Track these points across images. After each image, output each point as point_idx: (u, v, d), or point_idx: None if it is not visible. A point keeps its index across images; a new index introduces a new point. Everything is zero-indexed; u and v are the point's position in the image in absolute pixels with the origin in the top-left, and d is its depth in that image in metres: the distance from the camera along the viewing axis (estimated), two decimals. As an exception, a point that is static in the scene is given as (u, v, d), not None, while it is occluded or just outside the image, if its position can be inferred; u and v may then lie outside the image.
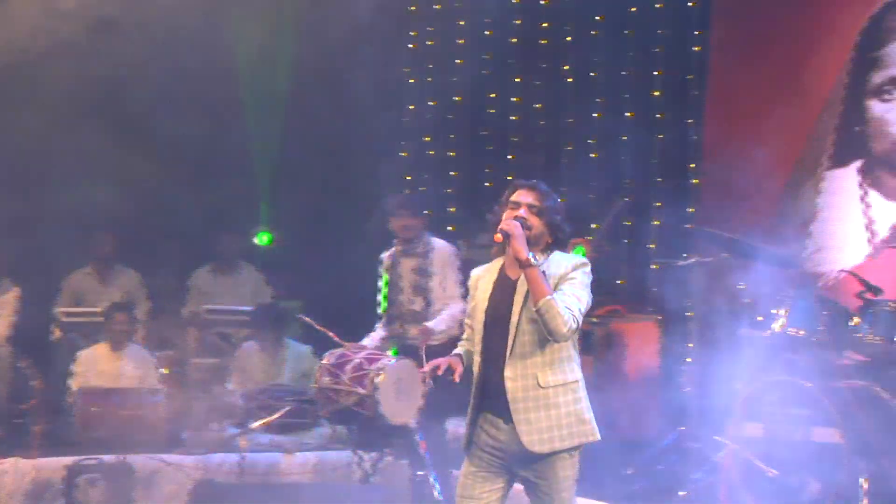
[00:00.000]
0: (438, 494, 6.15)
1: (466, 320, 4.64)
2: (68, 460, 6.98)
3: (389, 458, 7.35)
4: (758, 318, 6.64)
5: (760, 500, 6.14)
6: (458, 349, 4.61)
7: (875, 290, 6.46)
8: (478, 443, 4.48)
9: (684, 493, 6.39)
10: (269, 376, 8.28)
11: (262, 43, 9.48)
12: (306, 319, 7.32)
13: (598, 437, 4.46)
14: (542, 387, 4.35)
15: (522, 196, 4.46)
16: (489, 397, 4.44)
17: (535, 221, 4.41)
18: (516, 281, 4.41)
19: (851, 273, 6.72)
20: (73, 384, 7.85)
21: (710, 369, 6.86)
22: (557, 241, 4.47)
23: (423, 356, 6.48)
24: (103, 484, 6.82)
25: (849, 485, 5.86)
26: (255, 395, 7.91)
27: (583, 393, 4.44)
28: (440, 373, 4.44)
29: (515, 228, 4.30)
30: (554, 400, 4.36)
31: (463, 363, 4.51)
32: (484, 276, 4.56)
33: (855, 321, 6.33)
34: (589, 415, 4.44)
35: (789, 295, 6.51)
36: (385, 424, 6.54)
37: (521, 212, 4.40)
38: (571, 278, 4.36)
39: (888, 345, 6.20)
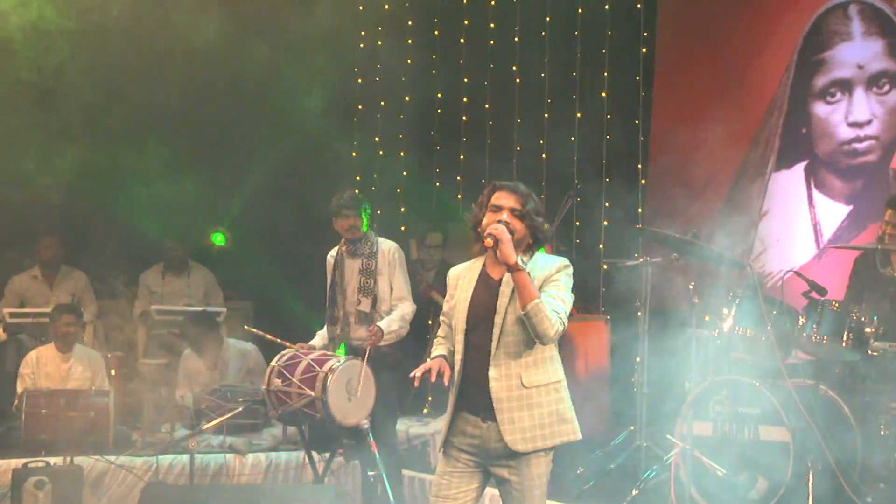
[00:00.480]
0: (390, 495, 6.15)
1: (443, 318, 4.65)
2: (15, 463, 6.88)
3: (341, 458, 7.35)
4: (706, 318, 6.72)
5: (710, 499, 6.22)
6: (440, 349, 4.61)
7: (820, 290, 6.56)
8: (454, 443, 4.51)
9: (635, 492, 6.44)
10: (213, 379, 8.23)
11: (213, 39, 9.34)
12: (253, 330, 7.35)
13: (580, 436, 4.51)
14: (525, 386, 4.39)
15: (503, 199, 4.47)
16: (468, 397, 4.46)
17: (517, 225, 4.44)
18: (500, 281, 4.44)
19: (797, 273, 6.81)
20: (20, 386, 7.73)
21: (659, 369, 6.93)
22: (538, 241, 4.51)
23: (367, 357, 6.49)
24: (51, 487, 6.72)
25: (796, 482, 5.95)
26: (206, 396, 7.85)
27: (565, 393, 4.49)
28: (433, 378, 4.45)
29: (503, 233, 4.34)
30: (537, 399, 4.40)
31: (449, 364, 4.52)
32: (464, 276, 4.58)
33: (801, 321, 6.42)
34: (571, 414, 4.49)
35: (737, 295, 6.59)
36: (336, 425, 6.53)
37: (504, 216, 4.43)
38: (555, 280, 4.41)
39: (833, 344, 6.31)
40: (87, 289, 9.06)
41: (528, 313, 4.28)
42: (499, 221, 4.40)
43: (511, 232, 4.40)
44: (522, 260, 4.37)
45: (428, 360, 4.55)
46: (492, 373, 4.40)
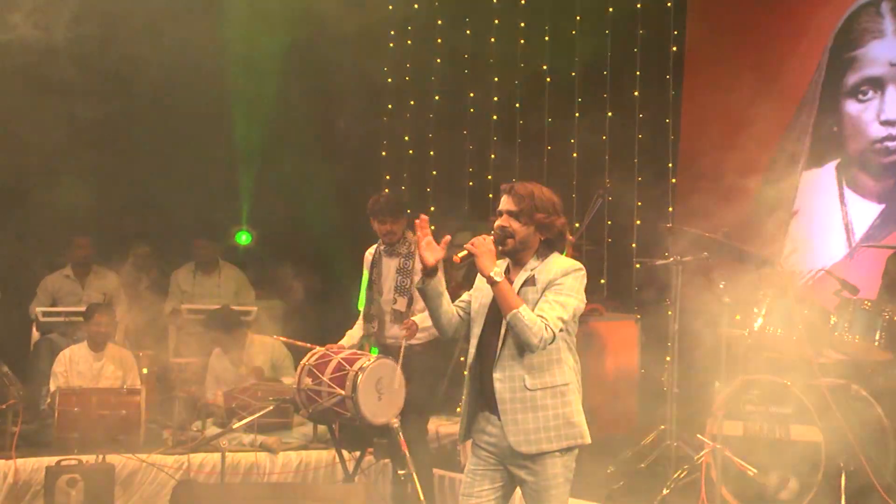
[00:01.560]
0: (420, 493, 6.16)
1: (466, 297, 4.63)
2: (48, 461, 6.94)
3: (371, 457, 7.37)
4: (737, 317, 6.69)
5: (741, 499, 6.19)
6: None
7: (851, 289, 6.52)
8: (477, 440, 4.54)
9: (665, 492, 6.41)
10: (241, 377, 8.28)
11: (246, 45, 9.42)
12: (282, 339, 7.41)
13: (588, 440, 4.48)
14: (529, 389, 4.39)
15: (503, 202, 4.49)
16: (484, 395, 4.48)
17: (516, 226, 4.43)
18: (511, 283, 4.44)
19: (829, 272, 6.78)
20: (53, 385, 7.80)
21: (689, 368, 6.90)
22: (550, 239, 4.48)
23: (402, 354, 6.51)
24: (83, 485, 6.77)
25: (828, 483, 5.91)
26: (237, 394, 7.90)
27: (573, 396, 4.45)
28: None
29: (481, 246, 4.33)
30: (542, 402, 4.39)
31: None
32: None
33: (832, 320, 6.38)
34: (578, 418, 4.45)
35: (768, 294, 6.56)
36: (366, 424, 6.55)
37: (499, 221, 4.43)
38: (558, 284, 4.38)
39: (865, 343, 6.26)
40: (119, 287, 9.14)
41: (508, 323, 4.30)
42: (495, 228, 4.41)
43: (511, 235, 4.41)
44: (529, 263, 4.41)
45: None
46: (496, 374, 4.41)
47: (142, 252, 9.52)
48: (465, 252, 4.39)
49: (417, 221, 4.47)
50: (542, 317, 4.29)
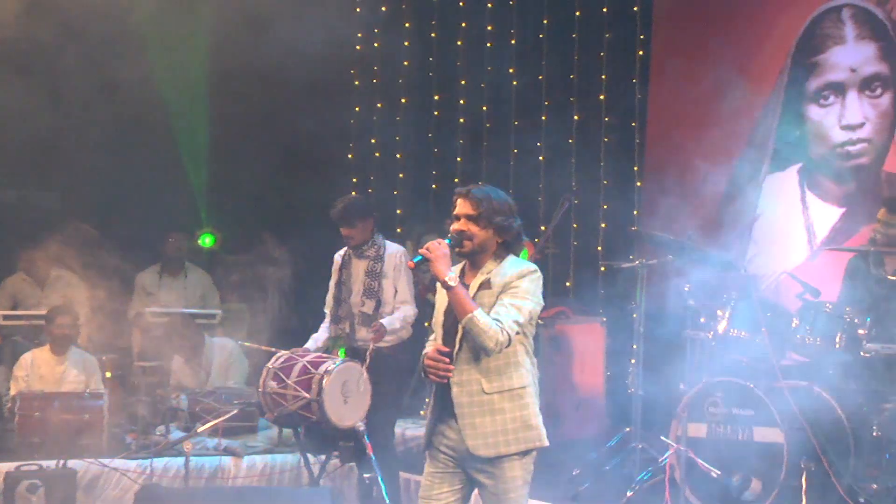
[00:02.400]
0: (386, 497, 6.15)
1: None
2: (8, 466, 6.85)
3: (337, 461, 7.35)
4: (701, 320, 6.74)
5: (704, 500, 6.24)
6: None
7: (814, 291, 6.59)
8: (436, 444, 4.53)
9: (630, 494, 6.45)
10: (201, 381, 8.25)
11: (210, 45, 9.38)
12: (247, 344, 7.42)
13: (546, 443, 4.48)
14: (486, 392, 4.40)
15: (459, 206, 4.49)
16: (445, 399, 4.48)
17: (474, 229, 4.44)
18: (468, 287, 4.44)
19: (791, 275, 6.84)
20: (14, 389, 7.72)
21: (654, 370, 6.94)
22: (508, 241, 4.49)
23: (370, 356, 6.50)
24: (44, 490, 6.70)
25: (790, 483, 5.97)
26: (201, 398, 7.85)
27: (530, 399, 4.45)
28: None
29: (437, 250, 4.34)
30: (499, 406, 4.40)
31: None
32: None
33: (795, 322, 6.44)
34: (536, 420, 4.46)
35: (732, 297, 6.61)
36: (332, 427, 6.53)
37: (456, 225, 4.44)
38: (514, 287, 4.39)
39: (826, 345, 6.33)
40: (79, 289, 9.00)
41: (464, 327, 4.32)
42: (452, 232, 4.42)
43: (470, 238, 4.42)
44: (487, 266, 4.42)
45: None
46: (453, 378, 4.42)
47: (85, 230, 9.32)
48: (419, 257, 4.40)
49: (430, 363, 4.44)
50: (497, 320, 4.30)
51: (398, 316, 6.78)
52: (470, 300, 4.33)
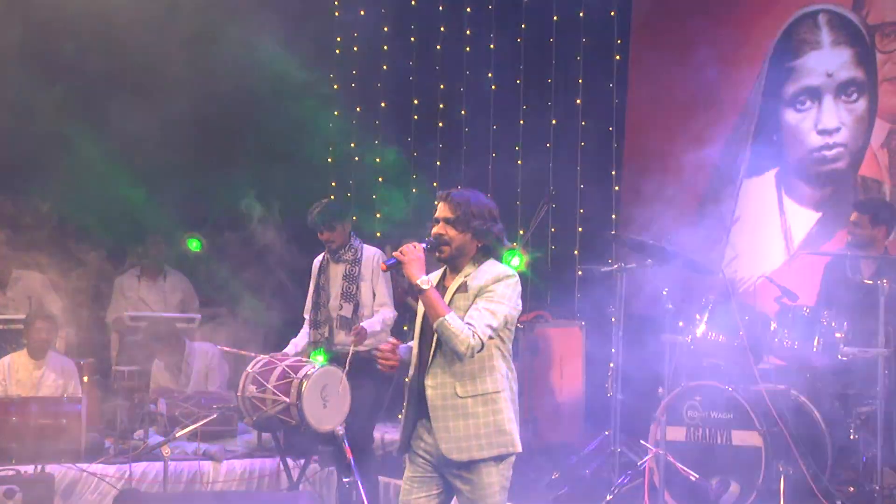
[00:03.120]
0: (365, 501, 6.15)
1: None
2: (-15, 471, 6.83)
3: (316, 465, 7.34)
4: (679, 324, 6.77)
5: (683, 503, 6.27)
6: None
7: (791, 295, 6.64)
8: (414, 447, 4.53)
9: (609, 498, 6.48)
10: (181, 384, 8.24)
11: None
12: (226, 349, 7.43)
13: (519, 448, 4.47)
14: (459, 396, 4.39)
15: (439, 210, 4.50)
16: (420, 403, 4.48)
17: (452, 233, 4.44)
18: (446, 290, 4.45)
19: (769, 279, 6.89)
20: (-10, 393, 7.68)
21: (633, 374, 6.97)
22: (487, 244, 4.50)
23: (349, 360, 6.50)
24: (21, 495, 6.64)
25: (768, 487, 6.01)
26: (180, 402, 7.82)
27: (504, 404, 4.43)
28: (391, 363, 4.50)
29: (410, 253, 4.35)
30: (473, 410, 4.39)
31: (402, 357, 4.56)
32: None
33: (773, 326, 6.48)
34: (510, 426, 4.43)
35: (710, 300, 6.65)
36: (311, 432, 6.53)
37: (436, 228, 4.45)
38: (489, 291, 4.39)
39: (804, 349, 6.37)
40: (47, 288, 8.83)
41: (436, 331, 4.32)
42: (432, 235, 4.44)
43: (447, 242, 4.43)
44: (464, 269, 4.43)
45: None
46: (428, 381, 4.42)
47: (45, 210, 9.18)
48: (392, 259, 4.40)
49: (379, 353, 4.47)
50: (470, 324, 4.30)
51: (378, 319, 6.79)
52: (442, 304, 4.33)
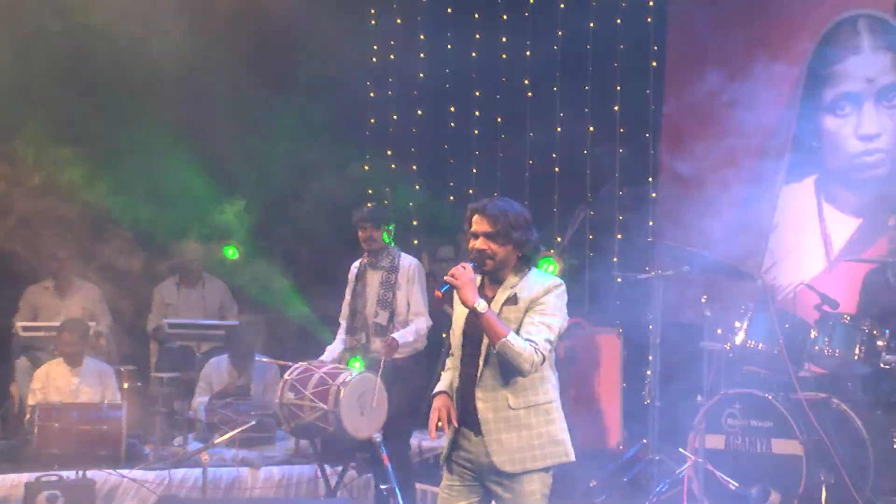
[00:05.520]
0: (402, 508, 6.16)
1: (451, 334, 4.65)
2: (27, 477, 6.88)
3: (353, 472, 7.36)
4: (718, 331, 6.73)
5: (722, 512, 6.23)
6: (444, 381, 4.58)
7: (832, 303, 6.57)
8: (454, 457, 4.52)
9: (647, 505, 6.46)
10: (242, 393, 8.28)
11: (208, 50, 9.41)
12: (265, 360, 7.57)
13: (573, 458, 4.46)
14: (512, 408, 4.37)
15: (476, 224, 4.45)
16: (465, 412, 4.46)
17: (494, 247, 4.42)
18: (491, 300, 4.43)
19: (809, 286, 6.82)
20: (32, 400, 7.76)
21: (672, 382, 6.93)
22: (527, 254, 4.48)
23: (381, 369, 6.51)
24: (63, 501, 6.72)
25: (809, 496, 5.95)
26: (218, 409, 7.87)
27: (557, 414, 4.43)
28: (445, 427, 4.46)
29: (461, 277, 4.32)
30: (525, 421, 4.37)
31: (452, 399, 4.52)
32: None
33: (813, 334, 6.43)
34: (563, 436, 4.43)
35: (749, 308, 6.60)
36: (348, 439, 6.55)
37: (476, 244, 4.41)
38: (541, 304, 4.37)
39: (845, 357, 6.31)
40: (100, 302, 9.05)
41: (498, 352, 4.28)
42: (471, 254, 4.39)
43: (491, 257, 4.40)
44: (509, 280, 4.40)
45: (433, 394, 4.56)
46: (478, 394, 4.39)
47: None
48: (446, 286, 4.37)
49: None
50: (531, 341, 4.28)
51: (411, 329, 6.79)
52: (501, 324, 4.29)
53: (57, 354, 8.09)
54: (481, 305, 4.30)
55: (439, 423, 4.47)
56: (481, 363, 4.39)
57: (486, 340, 4.36)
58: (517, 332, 4.31)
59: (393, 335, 6.71)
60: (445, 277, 4.38)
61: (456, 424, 4.46)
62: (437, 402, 4.51)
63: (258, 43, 9.56)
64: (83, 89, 9.05)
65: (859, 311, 6.57)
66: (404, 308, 6.86)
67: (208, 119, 9.35)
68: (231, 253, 10.04)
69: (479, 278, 4.51)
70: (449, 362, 4.64)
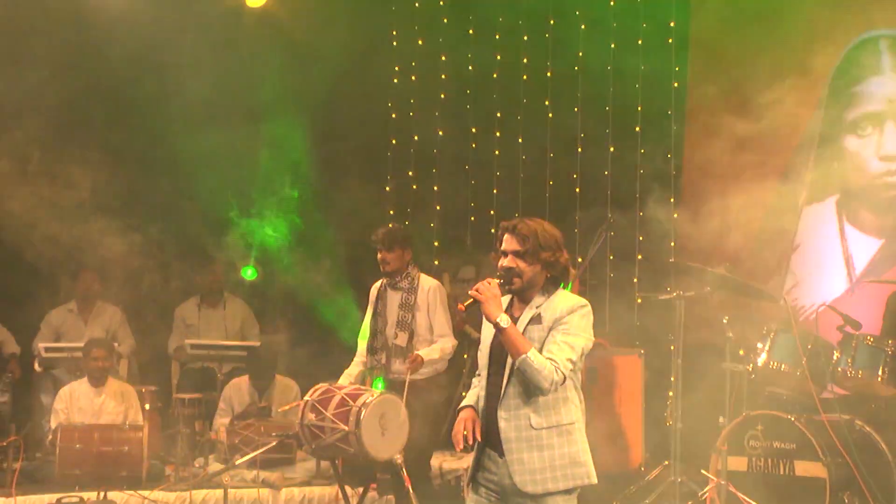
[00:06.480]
0: (423, 529, 6.14)
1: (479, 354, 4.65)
2: (49, 498, 6.92)
3: (374, 493, 7.34)
4: (740, 352, 6.70)
5: (745, 534, 6.18)
6: (471, 396, 4.59)
7: (854, 324, 6.54)
8: (478, 478, 4.51)
9: (669, 528, 6.42)
10: (262, 415, 8.30)
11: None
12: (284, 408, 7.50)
13: (595, 479, 4.44)
14: (534, 428, 4.36)
15: (507, 242, 4.47)
16: (490, 433, 4.46)
17: (522, 266, 4.42)
18: (518, 319, 4.43)
19: (831, 307, 6.79)
20: (54, 421, 7.79)
21: (693, 403, 6.89)
22: (555, 275, 4.48)
23: (406, 389, 6.51)
24: (85, 521, 6.76)
25: (833, 518, 5.91)
26: (240, 430, 7.88)
27: (579, 435, 4.42)
28: (471, 442, 4.45)
29: (487, 291, 4.33)
30: (547, 441, 4.36)
31: (478, 414, 4.52)
32: None
33: (836, 355, 6.39)
34: (584, 457, 4.42)
35: (771, 329, 6.57)
36: (369, 460, 6.53)
37: (504, 262, 4.42)
38: (564, 324, 4.36)
39: (869, 378, 6.27)
40: (123, 324, 9.11)
41: (518, 368, 4.29)
42: (500, 271, 4.40)
43: (519, 275, 4.41)
44: (535, 300, 4.39)
45: (459, 408, 4.55)
46: (501, 412, 4.39)
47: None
48: (469, 300, 4.39)
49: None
50: (551, 359, 4.27)
51: (437, 347, 6.79)
52: (523, 340, 4.31)
53: (79, 375, 8.13)
54: (504, 320, 4.30)
55: (465, 433, 4.46)
56: (505, 382, 4.39)
57: (510, 360, 4.36)
58: (540, 350, 4.31)
59: (418, 352, 6.71)
60: (470, 292, 4.39)
61: (480, 439, 4.45)
62: (463, 415, 4.52)
63: (279, 63, 9.64)
64: (125, 112, 9.18)
65: (884, 333, 6.53)
66: (424, 329, 6.85)
67: (232, 141, 9.44)
68: (250, 273, 10.09)
69: (507, 298, 4.52)
70: (475, 381, 4.64)
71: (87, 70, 8.97)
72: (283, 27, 9.66)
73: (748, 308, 7.03)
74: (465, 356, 8.48)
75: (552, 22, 9.79)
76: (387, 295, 6.94)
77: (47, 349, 8.63)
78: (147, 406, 8.13)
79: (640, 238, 8.92)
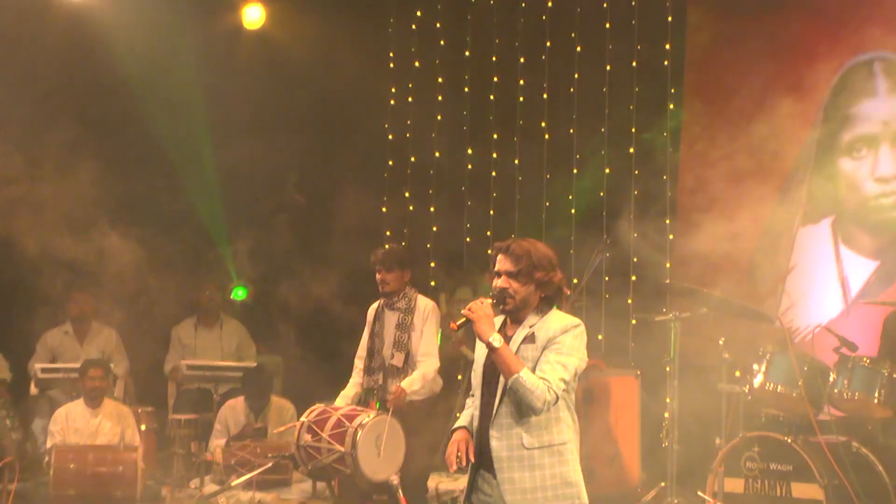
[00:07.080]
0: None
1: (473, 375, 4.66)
2: (44, 519, 6.92)
3: (371, 514, 7.33)
4: (736, 374, 6.71)
5: (742, 556, 6.18)
6: (464, 417, 4.60)
7: (850, 345, 6.55)
8: (473, 498, 4.51)
9: (666, 550, 6.41)
10: (258, 435, 8.29)
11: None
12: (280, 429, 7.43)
13: (585, 501, 4.43)
14: (526, 447, 4.36)
15: (500, 263, 4.47)
16: (484, 453, 4.46)
17: (516, 286, 4.43)
18: (511, 339, 4.43)
19: (827, 328, 6.80)
20: (49, 442, 7.77)
21: (690, 424, 6.90)
22: (549, 295, 4.49)
23: (390, 415, 6.50)
24: (80, 542, 6.74)
25: (829, 540, 5.90)
26: (236, 451, 7.87)
27: (571, 455, 4.42)
28: (464, 463, 4.46)
29: (479, 310, 4.35)
30: (539, 461, 4.36)
31: (471, 435, 4.53)
32: None
33: (832, 377, 6.40)
34: (576, 477, 4.41)
35: (767, 350, 6.58)
36: (366, 481, 6.52)
37: (498, 282, 4.43)
38: (557, 343, 4.37)
39: (865, 400, 6.27)
40: (118, 345, 9.11)
41: (510, 388, 4.29)
42: (493, 290, 4.41)
43: (511, 296, 4.42)
44: (528, 320, 4.40)
45: (452, 429, 4.56)
46: (492, 432, 4.39)
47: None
48: (462, 319, 4.40)
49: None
50: (544, 379, 4.28)
51: (417, 376, 6.72)
52: (515, 360, 4.31)
53: (75, 396, 8.12)
54: (496, 340, 4.32)
55: (458, 454, 4.46)
56: (497, 402, 4.39)
57: (502, 380, 4.36)
58: (533, 370, 4.32)
59: (401, 384, 6.68)
60: (462, 311, 4.40)
61: (473, 459, 4.45)
62: (457, 436, 4.53)
63: (276, 83, 9.67)
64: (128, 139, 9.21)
65: (881, 354, 6.54)
66: (419, 350, 6.85)
67: (238, 158, 9.47)
68: (240, 294, 10.10)
69: (501, 318, 4.53)
70: (469, 401, 4.64)
71: (85, 93, 8.99)
72: (281, 48, 9.71)
73: (744, 329, 7.04)
74: (460, 377, 8.48)
75: (548, 44, 9.84)
76: (384, 315, 6.94)
77: (44, 370, 8.61)
78: (143, 427, 8.11)
79: (636, 259, 8.94)
